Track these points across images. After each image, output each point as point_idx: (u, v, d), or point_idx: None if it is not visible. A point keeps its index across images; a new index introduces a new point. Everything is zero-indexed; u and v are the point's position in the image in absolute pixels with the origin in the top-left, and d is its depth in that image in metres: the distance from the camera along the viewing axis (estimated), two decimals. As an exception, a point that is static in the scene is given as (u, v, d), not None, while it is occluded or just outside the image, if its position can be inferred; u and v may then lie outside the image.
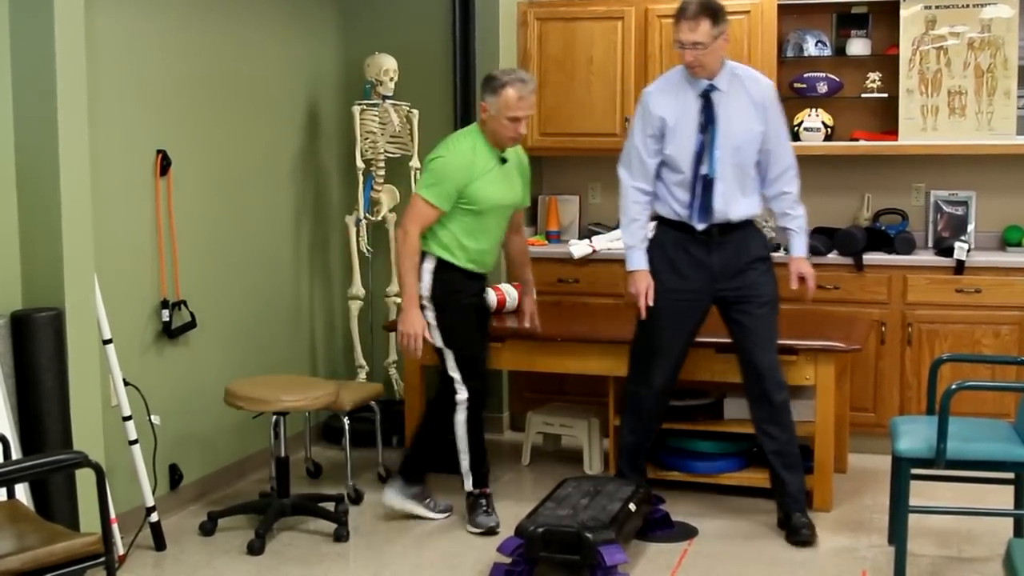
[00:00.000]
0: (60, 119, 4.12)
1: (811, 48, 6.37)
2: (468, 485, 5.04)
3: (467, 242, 4.84)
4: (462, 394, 4.93)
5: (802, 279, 4.88)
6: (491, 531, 4.91)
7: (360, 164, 6.06)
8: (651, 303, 4.84)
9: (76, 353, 4.21)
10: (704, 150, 4.72)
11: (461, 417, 4.95)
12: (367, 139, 6.09)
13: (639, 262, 4.86)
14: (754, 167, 4.81)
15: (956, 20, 6.03)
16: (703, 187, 4.74)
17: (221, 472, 5.60)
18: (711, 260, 4.81)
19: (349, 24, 6.61)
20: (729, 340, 5.02)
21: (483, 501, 5.02)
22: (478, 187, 4.79)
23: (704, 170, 4.73)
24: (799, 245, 4.88)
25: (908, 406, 5.93)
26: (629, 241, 4.88)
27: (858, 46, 6.32)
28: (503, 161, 4.88)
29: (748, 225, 4.86)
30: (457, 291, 4.88)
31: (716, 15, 4.58)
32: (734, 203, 4.77)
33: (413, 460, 5.12)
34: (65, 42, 4.12)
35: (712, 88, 4.70)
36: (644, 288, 4.84)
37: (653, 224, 4.94)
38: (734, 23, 6.22)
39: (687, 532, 4.92)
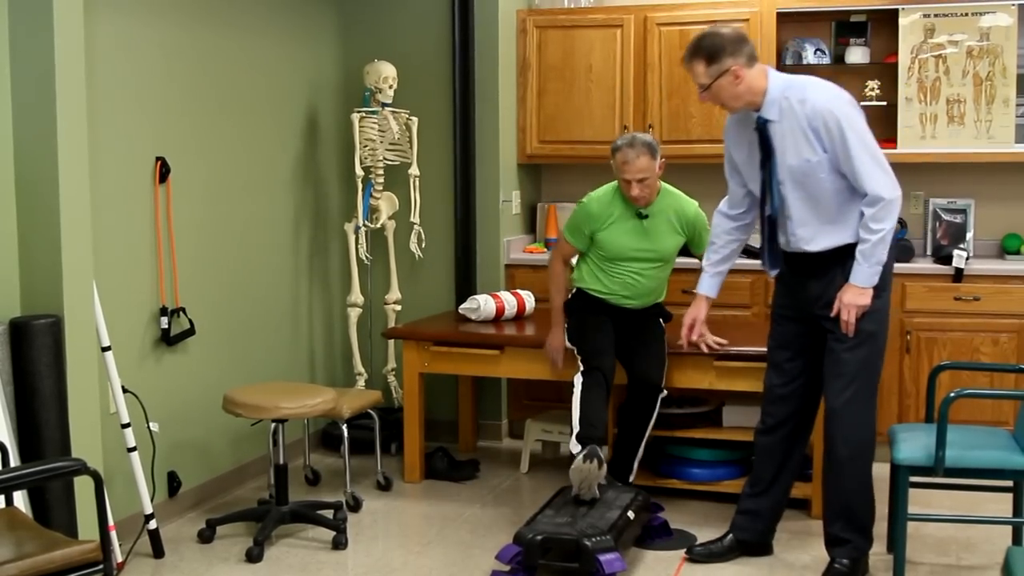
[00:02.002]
0: (59, 126, 4.12)
1: (810, 56, 6.38)
2: (574, 450, 4.81)
3: (601, 277, 5.24)
4: (579, 373, 5.06)
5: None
6: (576, 455, 4.72)
7: (359, 171, 6.06)
8: (694, 338, 4.80)
9: (75, 360, 4.21)
10: (766, 188, 4.32)
11: (576, 391, 5.01)
12: (366, 146, 6.09)
13: (699, 285, 4.76)
14: (841, 192, 4.22)
15: (955, 28, 6.04)
16: (769, 229, 4.37)
17: (219, 479, 5.60)
18: (809, 284, 4.38)
19: (348, 32, 6.61)
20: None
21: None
22: (605, 235, 5.17)
23: (768, 210, 4.34)
24: (853, 271, 4.24)
25: (907, 414, 5.93)
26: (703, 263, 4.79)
27: (857, 54, 6.33)
28: (641, 216, 5.12)
29: (848, 250, 4.27)
30: (583, 305, 5.27)
31: (711, 54, 4.19)
32: (811, 236, 4.30)
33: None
34: (64, 49, 4.12)
35: (764, 120, 4.25)
36: (689, 320, 4.78)
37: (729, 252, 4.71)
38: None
39: (686, 540, 4.91)
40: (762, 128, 4.26)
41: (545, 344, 5.33)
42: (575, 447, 4.82)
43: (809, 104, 4.18)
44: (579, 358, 5.13)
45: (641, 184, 4.99)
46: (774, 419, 4.60)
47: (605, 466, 4.73)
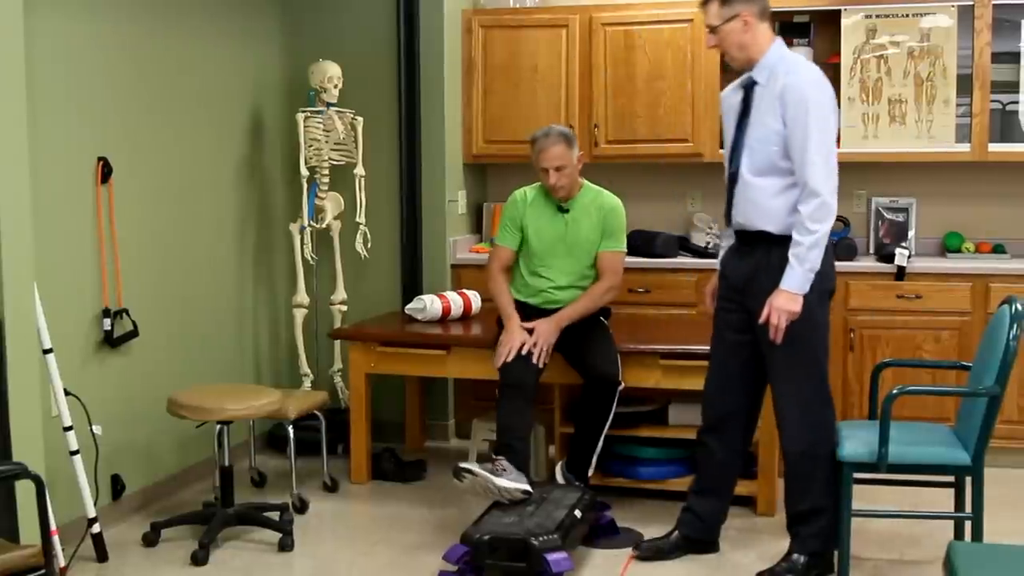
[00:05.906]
0: (-2, 126, 4.07)
1: (754, 56, 6.42)
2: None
3: (528, 278, 5.30)
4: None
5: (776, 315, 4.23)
6: (459, 474, 4.80)
7: (304, 171, 6.03)
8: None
9: (16, 363, 4.15)
10: (736, 147, 4.37)
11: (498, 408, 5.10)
12: (311, 146, 6.06)
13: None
14: (779, 178, 4.27)
15: (896, 29, 6.11)
16: (729, 184, 4.40)
17: (164, 482, 5.55)
18: (735, 270, 4.47)
19: (293, 31, 6.58)
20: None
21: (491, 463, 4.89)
22: (531, 227, 5.25)
23: (732, 167, 4.38)
24: (786, 274, 4.19)
25: (850, 411, 5.99)
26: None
27: (800, 54, 6.36)
28: (562, 210, 5.21)
29: (782, 240, 4.25)
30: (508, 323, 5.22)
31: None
32: (749, 210, 4.34)
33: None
34: (3, 48, 4.06)
35: (753, 81, 4.32)
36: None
37: None
38: (677, 32, 6.31)
39: (633, 538, 4.93)
40: (748, 88, 4.36)
41: (500, 340, 5.15)
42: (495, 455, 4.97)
43: (791, 77, 4.23)
44: (499, 376, 5.12)
45: (559, 173, 4.96)
46: (713, 415, 4.64)
47: (478, 466, 4.77)
